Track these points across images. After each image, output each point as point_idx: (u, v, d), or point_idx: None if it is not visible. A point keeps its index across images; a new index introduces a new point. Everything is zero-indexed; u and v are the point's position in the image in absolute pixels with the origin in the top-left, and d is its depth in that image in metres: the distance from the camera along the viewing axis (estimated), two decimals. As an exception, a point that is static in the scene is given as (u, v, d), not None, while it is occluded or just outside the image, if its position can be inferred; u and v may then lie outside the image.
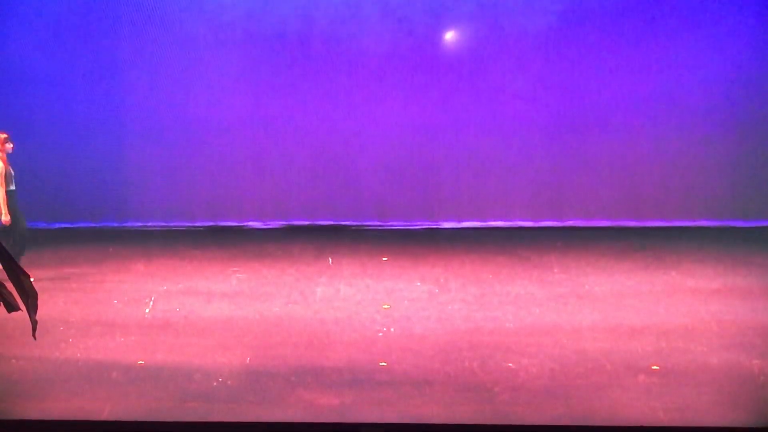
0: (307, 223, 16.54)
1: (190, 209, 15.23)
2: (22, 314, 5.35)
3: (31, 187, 12.86)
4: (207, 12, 16.30)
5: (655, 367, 8.03)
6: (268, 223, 15.06)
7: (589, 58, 16.40)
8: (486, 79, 16.44)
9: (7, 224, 11.86)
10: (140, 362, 8.42)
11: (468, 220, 16.43)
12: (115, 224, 15.25)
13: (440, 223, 16.64)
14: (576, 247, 14.64)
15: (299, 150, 16.16)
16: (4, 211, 11.87)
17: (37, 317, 5.66)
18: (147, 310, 10.58)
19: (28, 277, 4.53)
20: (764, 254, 13.64)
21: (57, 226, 15.57)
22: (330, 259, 12.87)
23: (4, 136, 12.16)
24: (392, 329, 9.60)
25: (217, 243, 13.03)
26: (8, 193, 11.95)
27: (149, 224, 15.67)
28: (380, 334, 9.39)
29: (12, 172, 12.12)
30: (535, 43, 16.40)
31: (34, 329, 4.58)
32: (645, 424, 6.74)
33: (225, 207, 14.86)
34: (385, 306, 10.73)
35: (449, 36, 16.63)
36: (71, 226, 15.39)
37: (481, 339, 9.15)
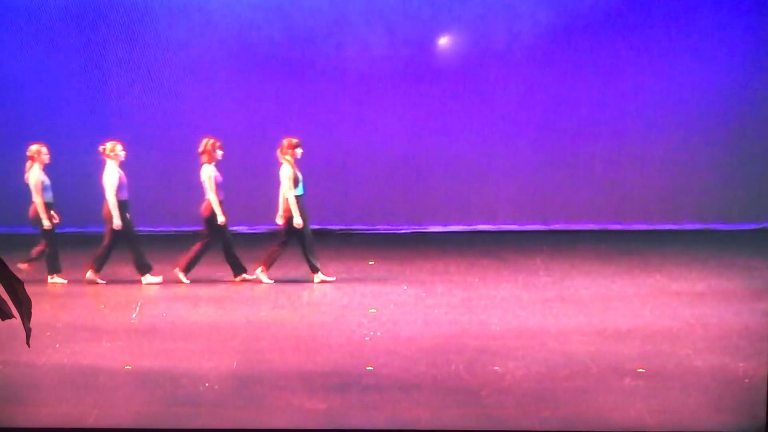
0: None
1: (177, 214, 15.22)
2: (9, 320, 5.35)
3: (19, 193, 12.84)
4: (199, 18, 16.35)
5: (640, 370, 8.06)
6: (255, 227, 15.05)
7: (573, 65, 16.48)
8: (472, 85, 16.52)
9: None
10: (127, 367, 8.41)
11: (454, 224, 16.48)
12: (103, 229, 15.22)
13: (427, 227, 16.69)
14: (561, 251, 14.70)
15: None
16: (296, 214, 12.20)
17: (26, 323, 5.66)
18: (134, 316, 10.58)
19: (21, 284, 4.52)
20: (748, 257, 13.70)
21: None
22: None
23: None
24: (379, 333, 9.61)
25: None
26: (297, 197, 12.26)
27: (136, 229, 15.63)
28: (367, 338, 9.40)
29: (300, 176, 12.32)
30: (521, 50, 16.49)
31: (27, 336, 4.57)
32: (631, 428, 6.77)
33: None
34: (372, 310, 10.75)
35: (437, 43, 16.69)
36: (58, 231, 15.33)
37: (468, 342, 9.17)
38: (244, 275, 12.47)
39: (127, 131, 15.73)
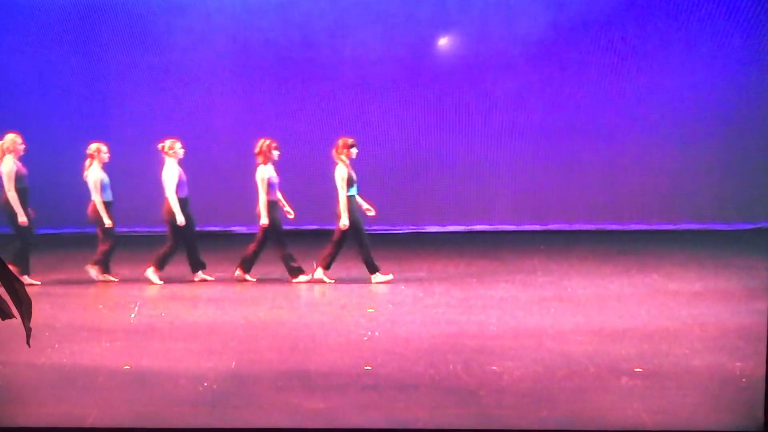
0: (291, 227, 16.53)
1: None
2: (9, 320, 5.37)
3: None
4: (197, 20, 16.40)
5: (638, 370, 8.08)
6: (253, 228, 15.06)
7: (570, 66, 16.52)
8: (470, 86, 16.56)
9: (345, 228, 12.32)
10: (126, 367, 8.42)
11: (452, 224, 16.50)
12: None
13: (424, 227, 16.72)
14: (559, 251, 14.73)
15: (283, 155, 16.18)
16: (345, 214, 12.27)
17: (26, 323, 5.68)
18: (133, 315, 10.59)
19: (22, 284, 4.53)
20: (745, 257, 13.74)
21: (43, 231, 15.50)
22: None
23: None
24: (377, 333, 9.63)
25: (201, 248, 13.02)
26: (349, 197, 12.33)
27: (134, 229, 15.68)
28: (365, 338, 9.42)
29: (354, 176, 12.37)
30: (518, 51, 16.52)
31: (28, 336, 4.58)
32: (629, 427, 6.79)
33: (209, 212, 14.88)
34: (370, 310, 10.78)
35: (434, 45, 16.72)
36: (57, 231, 15.38)
37: (465, 342, 9.19)
38: (301, 276, 12.48)
39: (125, 131, 15.82)
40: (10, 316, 4.60)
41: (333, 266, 12.56)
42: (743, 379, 7.78)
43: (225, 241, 15.48)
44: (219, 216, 15.83)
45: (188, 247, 12.63)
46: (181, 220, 12.32)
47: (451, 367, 8.30)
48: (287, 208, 12.72)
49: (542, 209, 16.96)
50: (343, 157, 12.41)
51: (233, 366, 8.47)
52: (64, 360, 8.65)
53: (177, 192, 12.34)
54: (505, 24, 16.52)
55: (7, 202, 12.23)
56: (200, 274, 12.59)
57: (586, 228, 16.78)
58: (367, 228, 12.54)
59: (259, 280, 12.59)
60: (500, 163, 16.76)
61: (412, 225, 16.70)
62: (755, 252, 13.80)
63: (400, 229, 16.35)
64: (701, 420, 6.96)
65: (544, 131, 16.71)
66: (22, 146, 12.41)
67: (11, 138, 12.38)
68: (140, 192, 14.41)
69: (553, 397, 7.50)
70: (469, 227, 16.93)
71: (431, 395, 7.63)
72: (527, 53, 16.59)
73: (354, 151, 12.48)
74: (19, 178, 12.22)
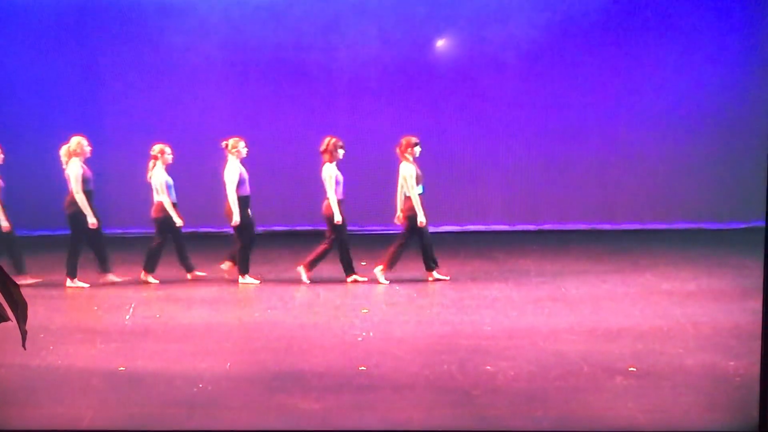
0: (285, 228, 16.59)
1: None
2: (4, 323, 5.37)
3: (12, 195, 12.82)
4: (191, 22, 16.41)
5: (632, 369, 8.10)
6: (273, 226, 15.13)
7: (564, 66, 16.57)
8: (464, 86, 16.59)
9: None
10: (121, 369, 8.43)
11: (445, 224, 16.50)
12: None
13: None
14: (552, 251, 14.76)
15: (278, 155, 16.24)
16: (421, 212, 12.38)
17: (21, 325, 5.67)
18: (127, 317, 10.59)
19: (17, 287, 4.54)
20: (738, 256, 13.77)
21: (38, 233, 15.56)
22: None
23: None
24: (371, 333, 9.64)
25: (196, 249, 13.03)
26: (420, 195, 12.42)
27: (129, 231, 15.68)
28: (359, 339, 9.43)
29: (420, 173, 12.49)
30: (512, 52, 16.58)
31: (23, 339, 4.59)
32: (623, 427, 6.80)
33: (204, 213, 14.86)
34: (364, 310, 10.79)
35: (428, 46, 16.77)
36: (52, 233, 15.36)
37: (460, 342, 9.21)
38: (355, 276, 12.51)
39: (121, 132, 15.82)
40: (5, 318, 4.61)
41: (330, 267, 12.58)
42: (737, 378, 7.80)
43: (219, 242, 15.47)
44: (214, 217, 15.81)
45: (241, 247, 12.57)
46: (237, 220, 12.30)
47: (445, 367, 8.31)
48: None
49: (536, 209, 16.99)
50: (407, 155, 12.44)
51: (228, 367, 8.47)
52: (59, 362, 8.65)
53: (238, 190, 12.31)
54: (498, 25, 16.55)
55: (73, 204, 12.22)
56: (247, 278, 12.51)
57: (579, 228, 16.81)
58: (360, 229, 12.57)
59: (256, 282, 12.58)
60: (494, 164, 16.79)
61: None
62: (748, 251, 13.77)
63: (393, 230, 16.33)
64: (695, 419, 6.98)
65: (538, 132, 16.75)
66: (89, 149, 12.42)
67: (77, 141, 12.37)
68: (131, 192, 14.39)
69: (547, 396, 7.51)
70: (463, 227, 16.95)
71: (426, 395, 7.64)
72: (521, 54, 16.63)
73: (417, 149, 12.53)
74: (85, 181, 12.22)
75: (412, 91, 16.65)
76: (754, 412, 6.04)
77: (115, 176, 14.89)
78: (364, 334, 9.63)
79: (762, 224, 6.67)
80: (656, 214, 16.82)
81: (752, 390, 6.40)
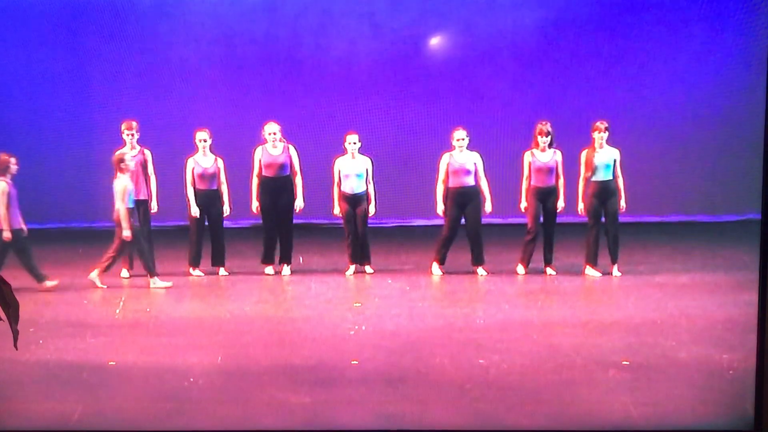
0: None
1: (160, 208, 15.18)
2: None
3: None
4: (187, 20, 16.36)
5: (625, 362, 8.08)
6: (239, 222, 15.00)
7: (559, 62, 16.56)
8: (458, 81, 16.56)
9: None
10: (111, 363, 8.39)
11: (438, 218, 16.45)
12: (85, 225, 15.14)
13: (411, 220, 16.68)
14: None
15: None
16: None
17: (9, 319, 5.62)
18: (117, 311, 10.54)
19: (9, 287, 4.50)
20: (731, 249, 13.74)
21: (27, 226, 15.46)
22: (300, 258, 12.87)
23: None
24: (363, 327, 9.61)
25: (187, 242, 12.98)
26: None
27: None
28: (352, 332, 9.40)
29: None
30: (507, 47, 16.54)
31: (15, 339, 4.55)
32: (616, 420, 6.79)
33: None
34: (357, 304, 10.76)
35: (423, 41, 16.75)
36: (41, 227, 15.25)
37: (452, 336, 9.19)
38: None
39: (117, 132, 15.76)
40: (-2, 318, 4.57)
41: (318, 260, 12.58)
42: (730, 371, 7.79)
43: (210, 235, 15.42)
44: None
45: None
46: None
47: (438, 360, 8.29)
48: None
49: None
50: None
51: (219, 361, 8.44)
52: (49, 356, 8.61)
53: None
54: (491, 21, 16.49)
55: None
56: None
57: (572, 221, 16.76)
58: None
59: (244, 274, 12.54)
60: (488, 157, 16.72)
61: (399, 219, 16.66)
62: (742, 244, 13.69)
63: (386, 223, 16.30)
64: (689, 412, 6.97)
65: (531, 126, 16.69)
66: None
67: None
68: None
69: (540, 389, 7.50)
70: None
71: (418, 389, 7.62)
72: (516, 50, 16.58)
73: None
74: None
75: (406, 86, 16.58)
76: (748, 405, 6.04)
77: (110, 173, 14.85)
78: (356, 327, 9.60)
79: (757, 217, 6.63)
80: (649, 206, 16.77)
81: (746, 383, 6.40)
